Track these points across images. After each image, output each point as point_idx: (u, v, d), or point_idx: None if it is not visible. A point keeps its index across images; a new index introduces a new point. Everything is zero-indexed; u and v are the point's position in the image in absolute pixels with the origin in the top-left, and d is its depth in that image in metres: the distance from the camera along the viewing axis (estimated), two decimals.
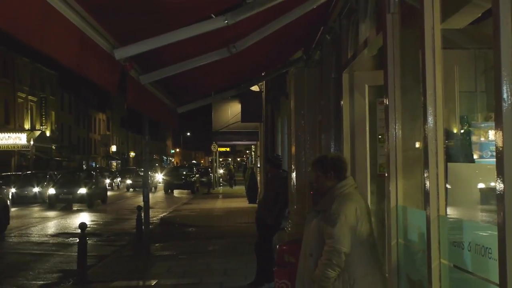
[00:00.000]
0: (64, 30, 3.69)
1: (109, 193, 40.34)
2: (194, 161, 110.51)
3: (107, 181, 53.64)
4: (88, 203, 31.54)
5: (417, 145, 4.51)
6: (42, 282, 11.82)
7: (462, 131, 4.96)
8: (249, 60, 8.10)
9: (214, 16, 5.23)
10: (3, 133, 49.42)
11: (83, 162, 71.55)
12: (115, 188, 54.73)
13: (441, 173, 3.57)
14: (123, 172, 62.09)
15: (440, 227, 3.49)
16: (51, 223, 23.61)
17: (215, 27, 5.03)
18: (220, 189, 49.28)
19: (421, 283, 3.95)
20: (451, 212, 3.71)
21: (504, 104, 2.49)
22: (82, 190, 31.77)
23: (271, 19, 5.98)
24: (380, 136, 6.54)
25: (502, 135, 2.50)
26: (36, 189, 35.63)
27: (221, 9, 5.33)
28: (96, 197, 33.63)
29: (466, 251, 3.18)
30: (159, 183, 54.15)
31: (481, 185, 4.12)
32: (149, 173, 48.89)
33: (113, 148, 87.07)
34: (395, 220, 4.49)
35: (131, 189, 50.58)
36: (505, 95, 2.49)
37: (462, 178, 4.37)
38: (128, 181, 52.80)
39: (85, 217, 24.96)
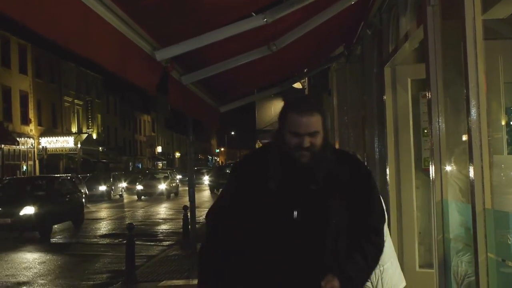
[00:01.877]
0: (105, 34, 3.74)
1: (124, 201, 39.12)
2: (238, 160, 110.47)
3: (123, 184, 45.52)
4: (40, 229, 19.49)
5: (462, 138, 4.45)
6: (91, 283, 12.02)
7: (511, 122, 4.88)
8: (290, 57, 8.10)
9: (254, 14, 5.24)
10: (51, 137, 50.29)
11: (130, 164, 72.45)
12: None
13: (486, 166, 3.52)
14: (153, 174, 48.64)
15: (486, 220, 3.44)
16: None
17: (254, 26, 5.04)
18: None
19: (468, 278, 3.90)
20: (497, 205, 3.66)
21: None
22: (28, 210, 19.19)
23: (310, 15, 5.97)
24: (426, 131, 6.47)
25: None
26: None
27: (262, 6, 5.34)
28: (62, 217, 21.66)
29: None
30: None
31: None
32: (171, 175, 45.20)
33: (159, 149, 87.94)
34: (441, 214, 4.44)
35: (142, 197, 41.74)
36: None
37: (509, 170, 4.30)
38: (139, 187, 42.77)
39: None
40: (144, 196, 41.66)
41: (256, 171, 3.12)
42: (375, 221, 3.16)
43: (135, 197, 42.14)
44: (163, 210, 31.09)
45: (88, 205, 33.95)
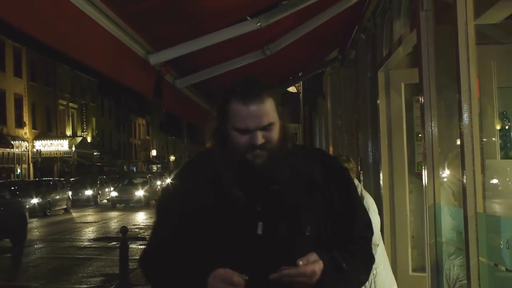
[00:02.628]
0: (98, 37, 3.75)
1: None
2: None
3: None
4: None
5: (455, 142, 4.47)
6: (85, 286, 12.00)
7: (506, 127, 4.91)
8: (284, 62, 8.11)
9: (249, 18, 5.25)
10: (45, 140, 50.24)
11: (124, 167, 72.34)
12: None
13: (478, 170, 3.53)
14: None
15: (478, 224, 3.46)
16: None
17: (248, 30, 5.05)
18: None
19: (460, 282, 3.91)
20: (489, 209, 3.67)
21: None
22: None
23: (304, 20, 5.98)
24: (420, 135, 6.50)
25: None
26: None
27: (256, 10, 5.34)
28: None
29: (505, 248, 3.14)
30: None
31: None
32: (151, 180, 39.41)
33: (153, 152, 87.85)
34: (433, 218, 4.45)
35: (118, 205, 36.29)
36: None
37: (501, 174, 4.32)
38: (113, 193, 37.70)
39: None
40: (120, 204, 36.23)
41: (202, 183, 2.44)
42: (360, 227, 2.51)
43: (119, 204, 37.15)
44: (138, 218, 28.10)
45: (71, 211, 32.71)
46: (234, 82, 2.44)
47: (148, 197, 37.34)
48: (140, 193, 37.25)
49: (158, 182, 43.48)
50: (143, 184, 38.72)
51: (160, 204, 2.62)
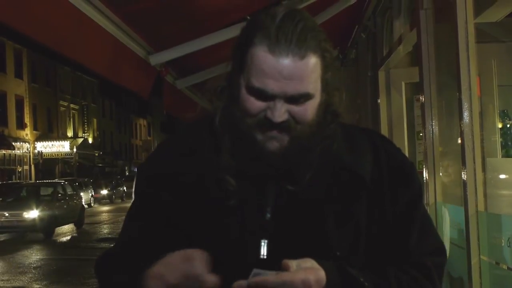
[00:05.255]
0: (98, 38, 3.75)
1: None
2: None
3: None
4: None
5: (455, 141, 4.48)
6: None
7: (507, 125, 4.92)
8: None
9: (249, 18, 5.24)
10: (47, 142, 50.28)
11: (126, 168, 72.37)
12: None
13: (479, 169, 3.54)
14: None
15: (479, 223, 3.46)
16: None
17: None
18: None
19: (462, 280, 3.91)
20: (490, 207, 3.67)
21: None
22: None
23: None
24: (421, 134, 6.50)
25: None
26: None
27: (256, 10, 5.34)
28: None
29: (506, 247, 3.14)
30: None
31: None
32: (65, 190, 23.50)
33: None
34: (435, 217, 4.45)
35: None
36: None
37: (502, 173, 4.32)
38: None
39: None
40: (1, 233, 20.79)
41: (185, 173, 1.65)
42: (416, 249, 1.65)
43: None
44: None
45: None
46: (267, 13, 1.58)
47: (48, 221, 20.96)
48: (33, 214, 20.59)
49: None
50: (45, 199, 22.56)
51: (132, 205, 1.81)
